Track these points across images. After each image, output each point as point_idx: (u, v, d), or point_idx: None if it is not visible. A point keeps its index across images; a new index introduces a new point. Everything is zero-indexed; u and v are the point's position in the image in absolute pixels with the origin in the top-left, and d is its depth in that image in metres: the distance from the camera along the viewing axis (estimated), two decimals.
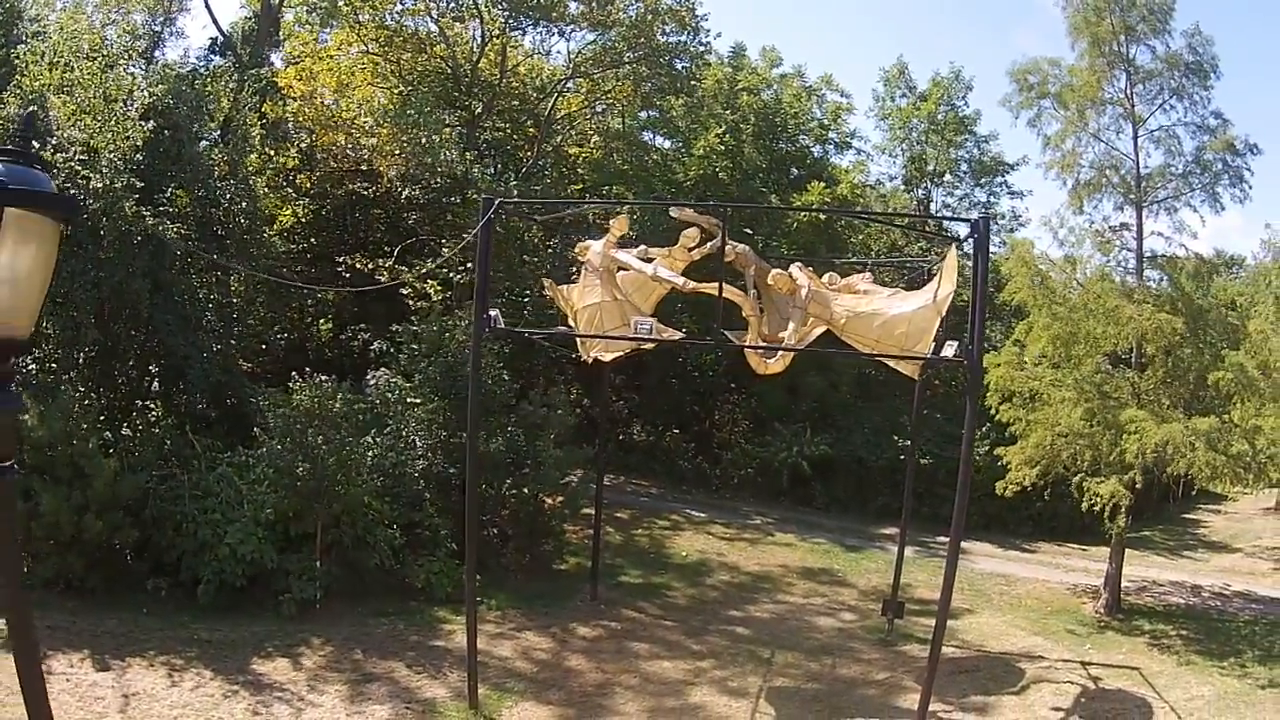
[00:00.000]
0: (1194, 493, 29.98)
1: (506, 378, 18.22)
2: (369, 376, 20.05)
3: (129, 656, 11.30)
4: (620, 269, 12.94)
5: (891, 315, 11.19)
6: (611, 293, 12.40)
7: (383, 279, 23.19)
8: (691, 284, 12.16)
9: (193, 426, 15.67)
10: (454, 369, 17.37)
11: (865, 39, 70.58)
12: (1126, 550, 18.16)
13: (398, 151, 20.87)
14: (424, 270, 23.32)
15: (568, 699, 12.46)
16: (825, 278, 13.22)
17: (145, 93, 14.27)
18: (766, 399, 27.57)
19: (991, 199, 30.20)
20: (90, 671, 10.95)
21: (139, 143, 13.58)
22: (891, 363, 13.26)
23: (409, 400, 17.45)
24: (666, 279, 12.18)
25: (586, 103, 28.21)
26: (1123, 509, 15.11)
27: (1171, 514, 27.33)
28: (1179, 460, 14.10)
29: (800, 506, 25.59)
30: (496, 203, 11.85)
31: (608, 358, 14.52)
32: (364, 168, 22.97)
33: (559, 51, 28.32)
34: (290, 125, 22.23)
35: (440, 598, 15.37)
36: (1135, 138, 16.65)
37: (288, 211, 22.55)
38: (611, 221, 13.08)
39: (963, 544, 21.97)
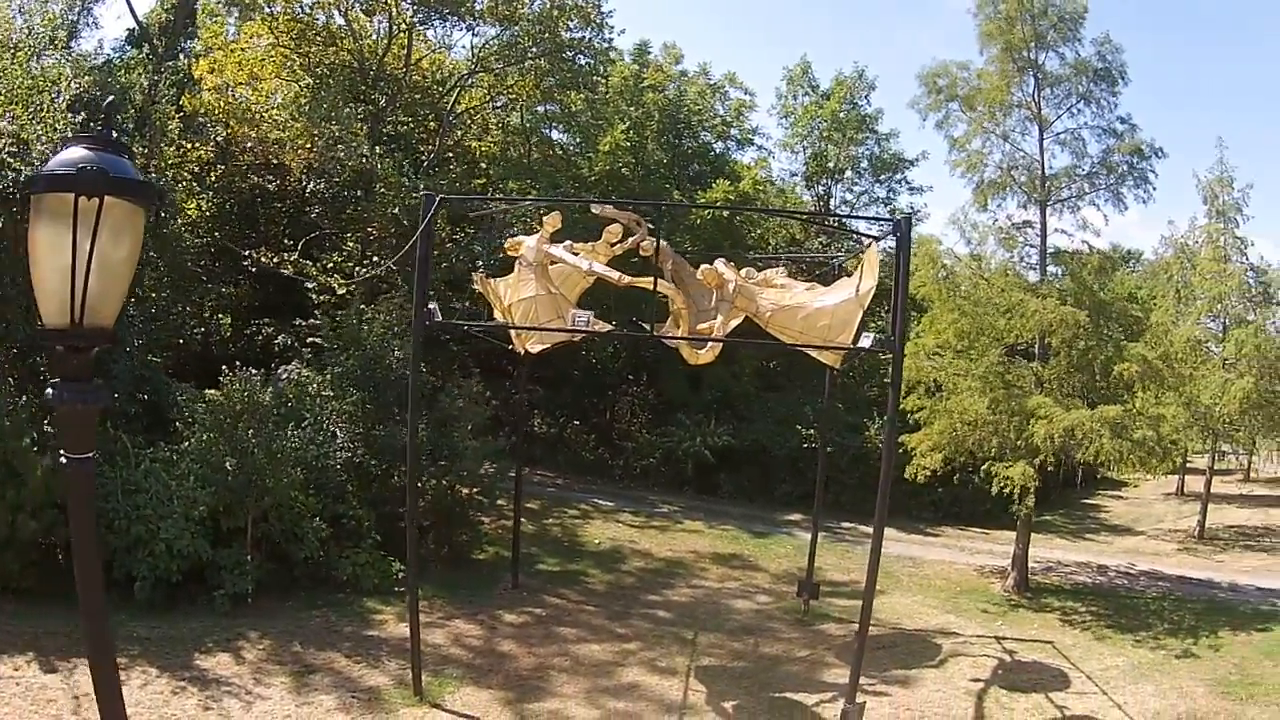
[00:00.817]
0: (1097, 477, 32.21)
1: (424, 370, 18.37)
2: (280, 370, 19.87)
3: (73, 657, 11.06)
4: (552, 263, 13.35)
5: (815, 308, 12.00)
6: (546, 286, 12.82)
7: (287, 273, 22.94)
8: (627, 279, 12.68)
9: (112, 423, 15.29)
10: (374, 362, 17.48)
11: (772, 38, 72.59)
12: (1031, 534, 19.52)
13: (308, 145, 20.65)
14: (331, 264, 23.19)
15: (506, 683, 12.86)
16: (743, 272, 13.97)
17: (72, 83, 13.83)
18: (668, 391, 28.44)
19: (891, 195, 31.67)
20: (38, 673, 10.74)
21: (69, 134, 13.18)
22: (814, 353, 14.03)
23: (324, 394, 17.41)
24: (602, 274, 12.67)
25: (489, 97, 28.35)
26: (1030, 491, 16.39)
27: (1073, 499, 29.20)
28: (1088, 445, 15.38)
29: (705, 495, 26.58)
30: (438, 200, 12.12)
31: (537, 349, 14.92)
32: (273, 161, 22.61)
33: (463, 46, 28.41)
34: (205, 119, 21.64)
35: (367, 589, 15.55)
36: (1041, 140, 17.80)
37: (192, 204, 21.98)
38: (545, 218, 13.49)
39: (864, 528, 23.49)
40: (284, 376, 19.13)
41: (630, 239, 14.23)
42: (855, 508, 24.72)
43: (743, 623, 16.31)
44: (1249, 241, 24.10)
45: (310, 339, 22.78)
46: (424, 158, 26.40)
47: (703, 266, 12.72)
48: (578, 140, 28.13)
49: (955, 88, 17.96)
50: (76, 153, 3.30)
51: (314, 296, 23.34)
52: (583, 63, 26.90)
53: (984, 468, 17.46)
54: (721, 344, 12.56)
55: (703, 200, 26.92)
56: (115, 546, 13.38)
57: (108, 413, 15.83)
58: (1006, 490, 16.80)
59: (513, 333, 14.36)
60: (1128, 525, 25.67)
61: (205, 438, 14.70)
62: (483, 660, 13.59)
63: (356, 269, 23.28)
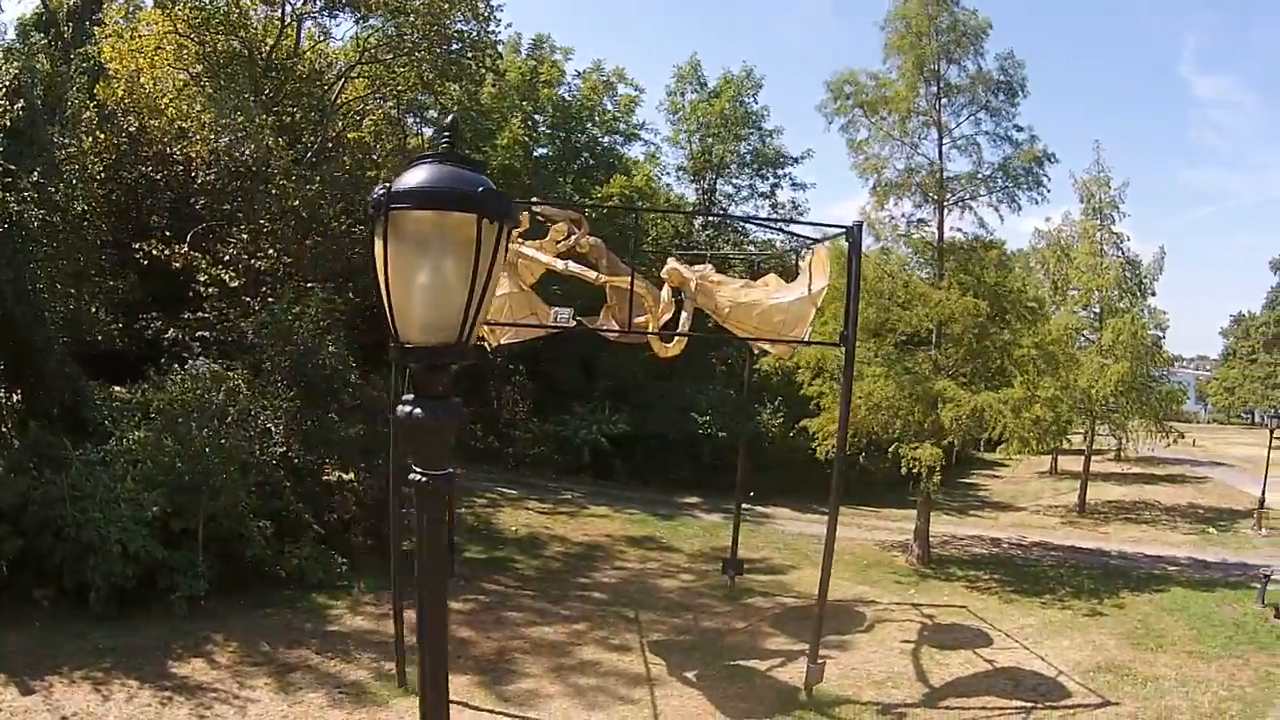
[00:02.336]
0: (974, 457, 34.60)
1: (350, 360, 18.41)
2: (189, 365, 19.30)
3: (46, 675, 10.82)
4: (521, 260, 13.82)
5: (769, 305, 13.07)
6: (518, 284, 13.34)
7: (177, 265, 22.12)
8: (604, 277, 13.37)
9: (37, 424, 14.65)
10: (306, 357, 17.37)
11: (662, 37, 73.58)
12: (914, 510, 21.30)
13: (212, 137, 20.05)
14: (228, 256, 22.50)
15: (478, 667, 13.42)
16: (697, 268, 14.86)
17: (4, 71, 13.03)
18: (562, 380, 29.11)
19: (776, 188, 33.22)
20: (17, 696, 10.42)
21: (8, 123, 12.51)
22: (767, 345, 15.09)
23: (257, 389, 17.14)
24: (579, 273, 13.31)
25: (373, 88, 27.97)
26: (937, 469, 18.14)
27: (952, 478, 30.56)
28: (994, 424, 17.20)
29: (602, 481, 27.49)
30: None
31: (507, 342, 15.27)
32: (167, 151, 21.69)
33: (348, 35, 27.84)
34: (116, 109, 20.45)
35: (313, 583, 15.64)
36: (940, 145, 19.34)
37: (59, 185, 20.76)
38: (525, 218, 13.90)
39: (764, 509, 25.09)
40: (193, 372, 18.71)
41: (573, 237, 14.89)
42: (751, 488, 26.26)
43: (676, 600, 17.39)
44: (1125, 236, 26.98)
45: (200, 333, 22.14)
46: (309, 148, 25.85)
47: (667, 266, 13.53)
48: (468, 134, 28.11)
49: (861, 95, 19.26)
50: (450, 171, 3.19)
51: (203, 290, 22.62)
52: (469, 57, 26.94)
53: (891, 449, 19.13)
54: (687, 338, 13.46)
55: (599, 196, 27.68)
56: (63, 555, 13.02)
57: (33, 414, 15.21)
58: (915, 470, 18.53)
59: (485, 327, 14.68)
60: (1008, 502, 28.00)
61: (141, 436, 14.38)
62: (448, 648, 14.01)
63: (253, 261, 22.72)
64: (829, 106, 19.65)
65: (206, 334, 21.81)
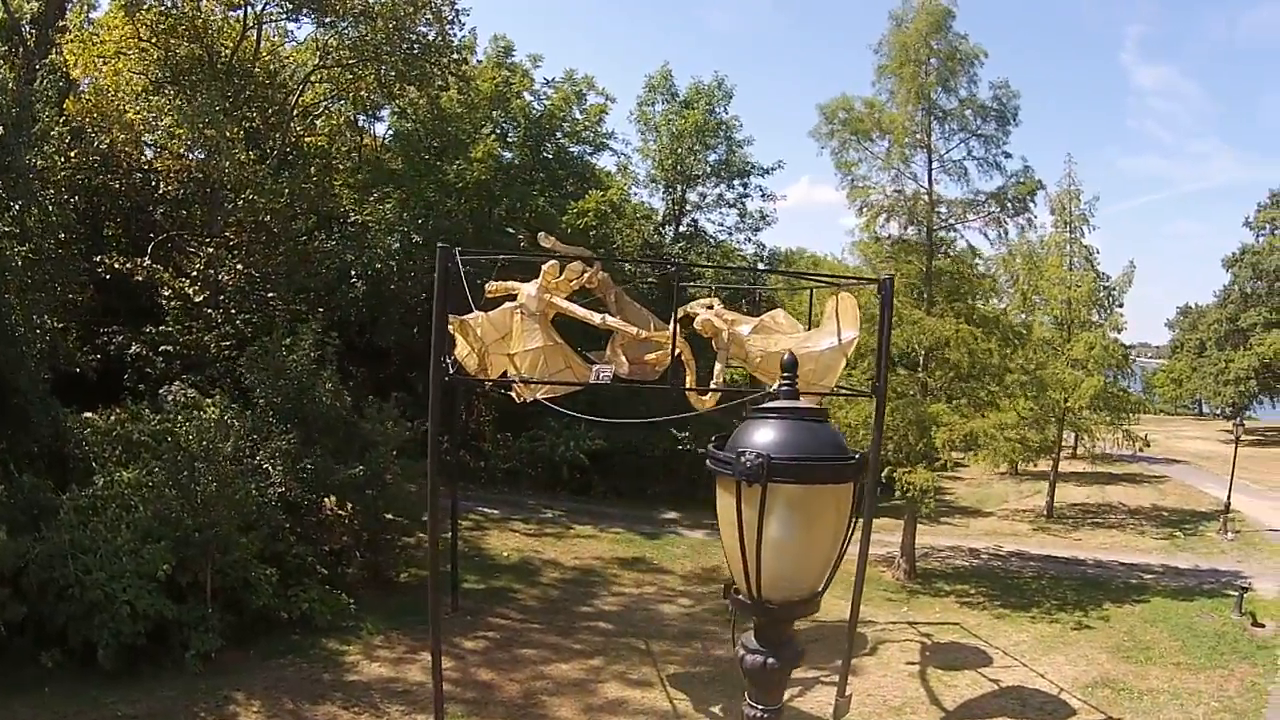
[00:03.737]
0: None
1: (343, 391, 17.99)
2: (163, 390, 18.63)
3: None
4: (555, 314, 13.60)
5: (800, 354, 13.15)
6: (551, 336, 13.12)
7: (140, 279, 21.35)
8: (645, 333, 13.29)
9: (16, 466, 13.92)
10: (301, 393, 16.90)
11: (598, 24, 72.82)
12: (887, 519, 21.62)
13: (182, 149, 19.36)
14: (195, 270, 21.81)
15: (508, 713, 13.24)
16: (714, 309, 14.82)
17: None
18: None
19: (745, 198, 33.35)
20: None
21: None
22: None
23: (232, 425, 16.52)
24: (617, 326, 13.20)
25: (335, 92, 27.33)
26: (930, 491, 18.46)
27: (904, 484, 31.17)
28: (988, 447, 17.57)
29: (579, 497, 27.31)
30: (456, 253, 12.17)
31: (542, 397, 14.87)
32: (137, 162, 20.84)
33: (308, 39, 27.09)
34: (85, 124, 19.47)
35: (321, 626, 15.21)
36: (930, 170, 19.56)
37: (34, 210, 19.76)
38: (544, 266, 13.69)
39: None
40: (169, 398, 18.05)
41: (585, 274, 14.76)
42: None
43: (681, 627, 17.38)
44: (1095, 249, 27.77)
45: (163, 347, 21.40)
46: (268, 155, 25.17)
47: (700, 318, 13.48)
48: (434, 143, 27.61)
49: (856, 122, 19.41)
50: (823, 437, 3.25)
51: (165, 303, 21.90)
52: (431, 61, 26.45)
53: (884, 472, 19.40)
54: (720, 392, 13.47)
55: (575, 209, 27.43)
56: (68, 616, 12.41)
57: (14, 457, 14.46)
58: (910, 494, 18.88)
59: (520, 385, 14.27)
60: (976, 506, 28.49)
61: (130, 477, 13.84)
62: (472, 693, 13.82)
63: (219, 275, 22.07)
64: (822, 130, 19.78)
65: (170, 348, 21.24)
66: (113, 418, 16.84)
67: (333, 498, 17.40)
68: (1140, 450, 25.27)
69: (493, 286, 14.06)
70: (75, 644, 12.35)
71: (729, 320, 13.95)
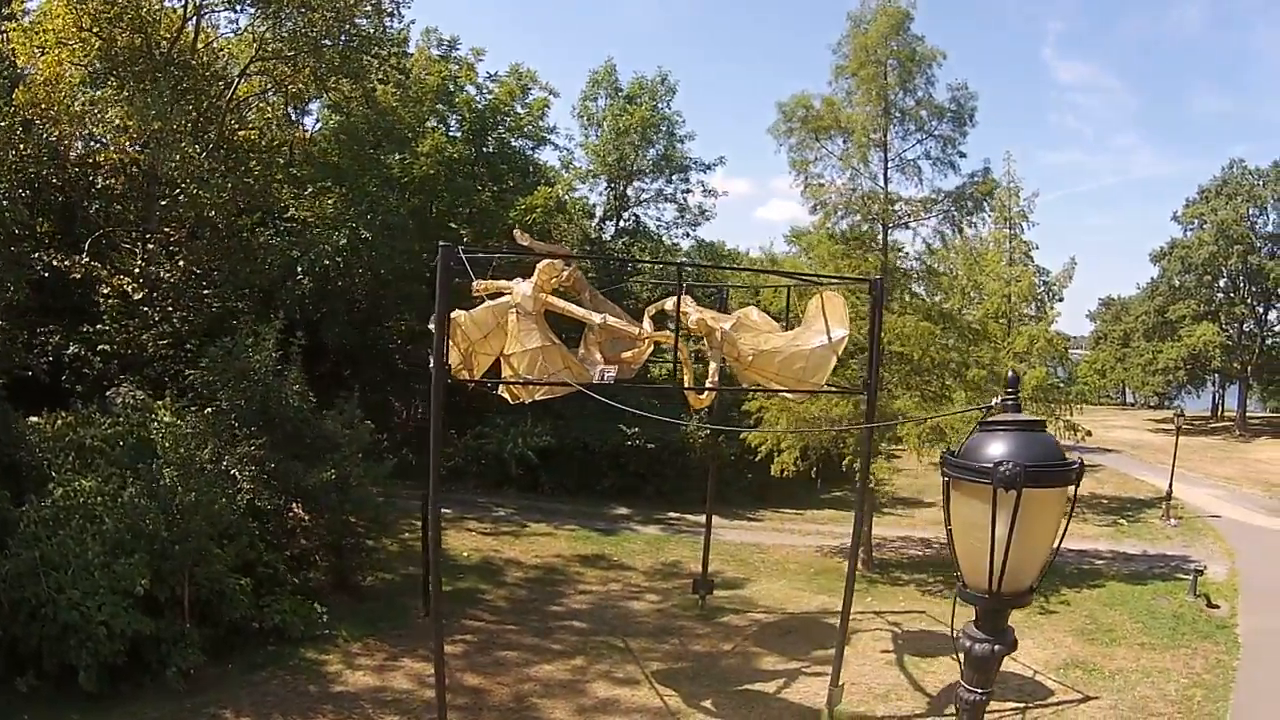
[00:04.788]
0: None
1: (313, 399, 17.46)
2: (111, 392, 17.80)
3: None
4: (548, 311, 13.46)
5: (791, 352, 13.39)
6: (549, 336, 13.00)
7: (78, 276, 20.30)
8: (646, 333, 13.29)
9: None
10: (268, 396, 16.33)
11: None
12: (832, 511, 22.29)
13: (126, 143, 18.43)
14: (136, 267, 20.84)
15: (503, 717, 13.17)
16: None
17: None
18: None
19: (687, 194, 33.49)
20: None
21: None
22: (788, 393, 15.41)
23: (209, 431, 15.93)
24: (618, 327, 13.18)
25: (272, 84, 26.34)
26: (888, 481, 18.94)
27: (851, 475, 31.41)
28: (954, 437, 18.09)
29: (528, 494, 27.14)
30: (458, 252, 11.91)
31: (540, 397, 14.66)
32: (76, 154, 19.71)
33: (245, 30, 26.02)
34: (32, 116, 18.20)
35: (295, 636, 14.84)
36: (886, 168, 19.98)
37: None
38: (539, 265, 13.53)
39: (694, 519, 25.43)
40: (118, 401, 17.28)
41: (564, 273, 14.70)
42: (678, 498, 26.72)
43: (656, 624, 17.49)
44: (1034, 245, 28.76)
45: (100, 347, 20.45)
46: (204, 149, 24.16)
47: (693, 318, 13.56)
48: (370, 136, 26.83)
49: (816, 121, 19.70)
50: (1051, 446, 3.62)
51: (103, 301, 20.87)
52: (371, 54, 25.78)
53: (845, 462, 19.91)
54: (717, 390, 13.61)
55: (523, 205, 27.14)
56: (41, 637, 11.77)
57: None
58: (872, 484, 19.34)
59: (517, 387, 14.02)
60: (916, 497, 29.07)
61: (90, 485, 13.19)
62: (464, 698, 13.63)
63: (161, 271, 21.10)
64: (780, 128, 20.04)
65: (107, 348, 20.31)
66: (59, 423, 15.96)
67: (298, 503, 16.86)
68: (1082, 440, 26.43)
69: (480, 285, 13.85)
70: (51, 666, 11.73)
71: (715, 318, 14.12)
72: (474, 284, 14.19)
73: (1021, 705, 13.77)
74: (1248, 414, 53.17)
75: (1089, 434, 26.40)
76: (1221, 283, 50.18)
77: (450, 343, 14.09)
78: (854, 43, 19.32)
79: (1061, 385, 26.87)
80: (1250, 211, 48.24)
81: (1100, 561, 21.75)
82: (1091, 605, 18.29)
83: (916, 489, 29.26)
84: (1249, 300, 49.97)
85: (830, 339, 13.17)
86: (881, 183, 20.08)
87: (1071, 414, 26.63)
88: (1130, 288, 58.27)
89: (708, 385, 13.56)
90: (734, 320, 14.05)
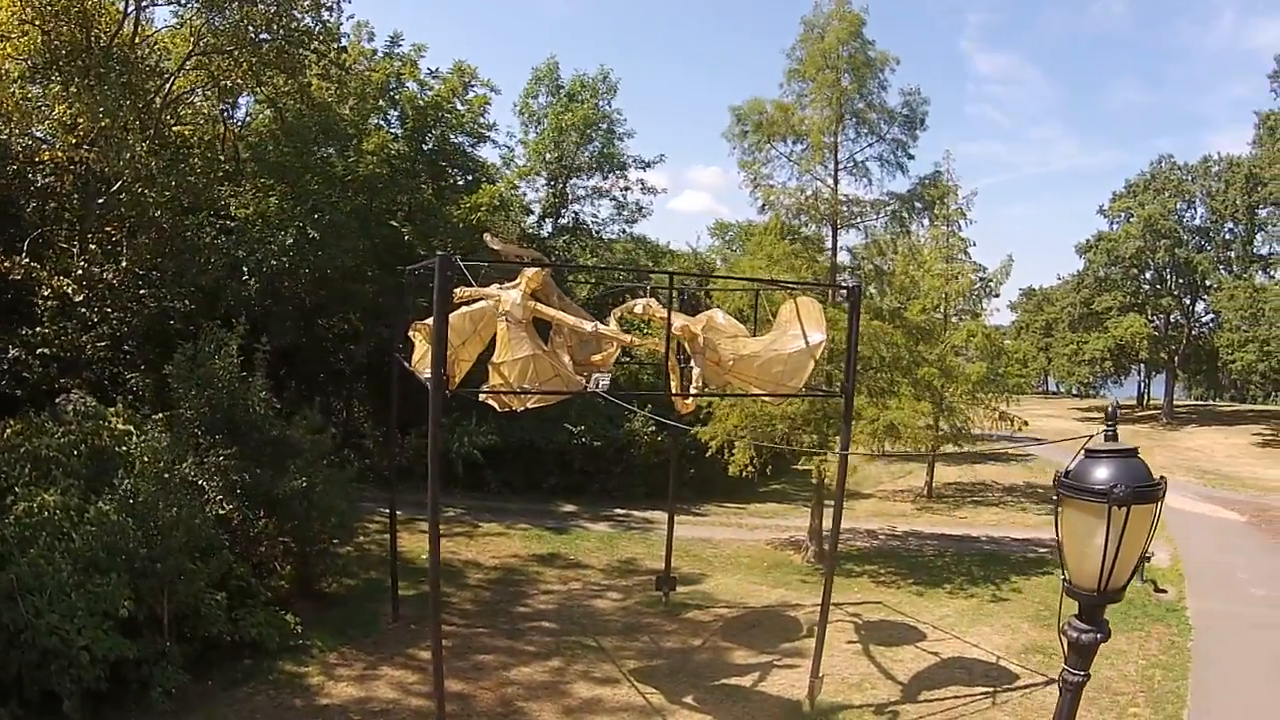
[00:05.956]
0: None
1: (277, 405, 17.16)
2: (60, 399, 17.23)
3: None
4: (537, 318, 13.53)
5: (769, 356, 13.81)
6: (539, 345, 13.08)
7: (18, 277, 19.43)
8: (637, 340, 13.49)
9: None
10: (233, 404, 15.98)
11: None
12: (774, 504, 22.89)
13: (73, 140, 17.69)
14: (78, 268, 20.04)
15: None
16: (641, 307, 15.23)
17: None
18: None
19: (626, 190, 33.65)
20: None
21: None
22: (767, 396, 15.80)
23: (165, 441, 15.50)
24: (610, 334, 13.34)
25: (205, 81, 25.47)
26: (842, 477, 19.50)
27: (788, 468, 31.50)
28: (906, 434, 18.81)
29: (474, 493, 27.05)
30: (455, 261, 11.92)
31: (532, 405, 14.65)
32: (19, 155, 18.78)
33: (186, 24, 25.06)
34: None
35: (271, 649, 14.61)
36: (836, 170, 20.49)
37: None
38: (526, 271, 13.58)
39: (643, 515, 25.83)
40: (68, 408, 16.72)
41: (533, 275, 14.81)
42: (624, 494, 27.05)
43: (623, 622, 17.79)
44: (971, 242, 29.68)
45: (40, 350, 19.78)
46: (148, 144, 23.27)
47: (677, 324, 13.83)
48: (312, 131, 26.19)
49: (771, 126, 20.08)
50: (1142, 468, 4.47)
51: (41, 303, 20.06)
52: (307, 47, 25.19)
53: (801, 462, 20.52)
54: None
55: (467, 204, 26.91)
56: (20, 663, 11.36)
57: None
58: (827, 480, 19.97)
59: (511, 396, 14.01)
60: (853, 489, 29.77)
61: (54, 500, 12.79)
62: (451, 705, 13.45)
63: (104, 271, 20.33)
64: (733, 132, 20.44)
65: (46, 351, 19.64)
66: (8, 431, 15.32)
67: (263, 512, 16.54)
68: (1019, 430, 27.60)
69: (462, 291, 13.85)
70: (33, 695, 11.34)
71: (694, 322, 14.42)
72: (456, 291, 14.23)
73: (990, 690, 14.56)
74: (1174, 402, 54.84)
75: (1025, 424, 27.56)
76: (1148, 275, 51.56)
77: (421, 349, 14.22)
78: (809, 48, 19.79)
79: (999, 378, 27.89)
80: (1179, 205, 49.69)
81: (1044, 549, 22.79)
82: (1043, 592, 19.25)
83: (853, 481, 30.08)
84: (1175, 292, 51.31)
85: (808, 343, 13.64)
86: (832, 184, 20.67)
87: (1007, 404, 27.73)
88: (1051, 278, 60.06)
89: (694, 392, 13.84)
90: (702, 323, 14.43)
